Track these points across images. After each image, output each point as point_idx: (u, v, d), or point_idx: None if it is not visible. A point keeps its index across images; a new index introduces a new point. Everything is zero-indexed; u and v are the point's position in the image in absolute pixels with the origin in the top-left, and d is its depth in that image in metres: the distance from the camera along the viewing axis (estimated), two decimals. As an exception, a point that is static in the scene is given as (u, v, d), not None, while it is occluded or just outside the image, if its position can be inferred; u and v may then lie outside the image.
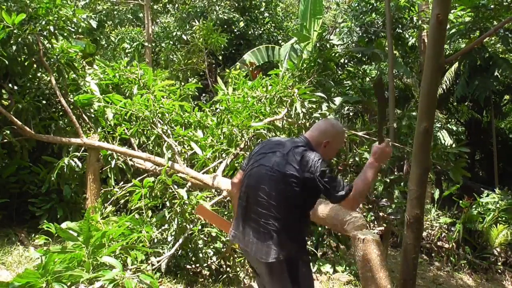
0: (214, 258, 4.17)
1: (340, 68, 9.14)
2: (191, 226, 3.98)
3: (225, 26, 11.68)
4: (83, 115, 5.34)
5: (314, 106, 5.54)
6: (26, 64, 5.06)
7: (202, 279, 4.08)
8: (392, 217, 5.20)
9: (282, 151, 2.14)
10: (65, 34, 5.16)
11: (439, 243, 7.56)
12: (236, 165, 4.60)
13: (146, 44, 10.54)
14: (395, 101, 7.82)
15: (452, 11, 9.35)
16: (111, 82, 5.91)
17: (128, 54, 11.09)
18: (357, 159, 5.25)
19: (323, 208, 2.87)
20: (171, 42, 11.27)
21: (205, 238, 4.15)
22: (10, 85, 5.02)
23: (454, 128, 11.25)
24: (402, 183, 5.52)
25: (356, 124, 10.85)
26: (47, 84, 5.31)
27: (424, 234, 7.63)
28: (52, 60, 5.18)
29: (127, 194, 4.44)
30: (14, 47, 4.70)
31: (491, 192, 7.99)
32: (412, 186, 2.96)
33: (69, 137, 4.93)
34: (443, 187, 10.72)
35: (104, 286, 2.80)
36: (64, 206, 4.97)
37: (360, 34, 10.54)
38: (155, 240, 4.01)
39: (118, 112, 5.07)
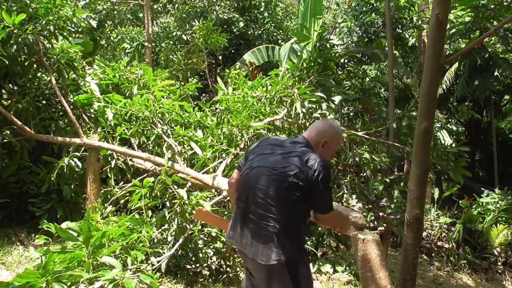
0: (214, 258, 4.17)
1: (340, 68, 9.14)
2: (191, 226, 3.98)
3: (225, 26, 11.68)
4: (83, 115, 5.34)
5: (314, 106, 5.54)
6: (26, 64, 5.05)
7: (202, 279, 4.07)
8: (392, 217, 5.21)
9: (282, 151, 2.12)
10: (65, 34, 5.15)
11: (439, 243, 7.57)
12: (236, 165, 4.58)
13: (146, 44, 10.53)
14: (395, 101, 7.84)
15: (452, 11, 9.36)
16: (111, 82, 5.90)
17: (128, 54, 11.08)
18: (357, 159, 5.25)
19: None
20: (171, 42, 11.27)
21: (205, 238, 4.15)
22: (10, 85, 5.01)
23: (454, 128, 11.24)
24: (402, 183, 5.54)
25: (356, 124, 10.85)
26: (47, 84, 5.31)
27: (424, 234, 7.63)
28: (52, 60, 5.17)
29: (127, 194, 4.44)
30: (14, 47, 4.69)
31: (491, 192, 8.01)
32: (412, 186, 2.97)
33: (69, 137, 4.91)
34: (443, 187, 10.71)
35: (104, 286, 2.80)
36: (64, 206, 4.96)
37: (360, 34, 10.53)
38: (155, 240, 4.00)
39: (118, 112, 5.06)
